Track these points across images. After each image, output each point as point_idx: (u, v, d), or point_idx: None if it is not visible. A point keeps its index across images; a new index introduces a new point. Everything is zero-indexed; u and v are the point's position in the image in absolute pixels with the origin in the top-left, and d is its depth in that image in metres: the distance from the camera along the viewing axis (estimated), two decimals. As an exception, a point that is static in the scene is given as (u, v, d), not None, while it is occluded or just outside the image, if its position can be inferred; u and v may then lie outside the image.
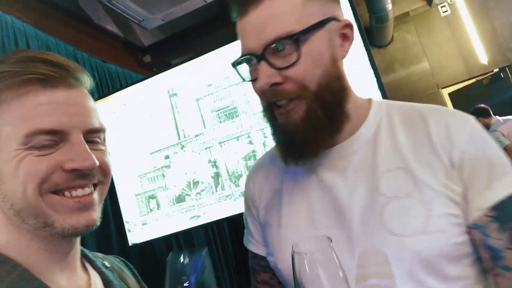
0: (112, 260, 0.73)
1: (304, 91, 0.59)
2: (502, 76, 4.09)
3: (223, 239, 3.28)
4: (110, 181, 0.61)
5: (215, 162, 1.94)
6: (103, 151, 0.59)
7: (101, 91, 2.59)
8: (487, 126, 3.55)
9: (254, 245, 0.76)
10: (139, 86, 2.16)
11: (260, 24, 0.58)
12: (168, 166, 2.04)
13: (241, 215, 1.90)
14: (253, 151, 1.87)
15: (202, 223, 1.94)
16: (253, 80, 0.63)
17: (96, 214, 0.56)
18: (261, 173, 0.78)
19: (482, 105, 3.69)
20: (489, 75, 4.19)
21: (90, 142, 0.57)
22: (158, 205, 2.04)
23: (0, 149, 0.51)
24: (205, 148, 1.97)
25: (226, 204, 1.90)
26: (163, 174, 2.04)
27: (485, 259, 0.56)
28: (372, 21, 3.72)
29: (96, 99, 1.90)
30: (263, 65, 0.59)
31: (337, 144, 0.65)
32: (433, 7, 4.22)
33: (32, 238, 0.54)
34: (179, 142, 2.02)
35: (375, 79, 1.67)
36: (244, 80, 0.66)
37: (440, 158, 0.58)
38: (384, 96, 1.64)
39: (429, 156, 0.59)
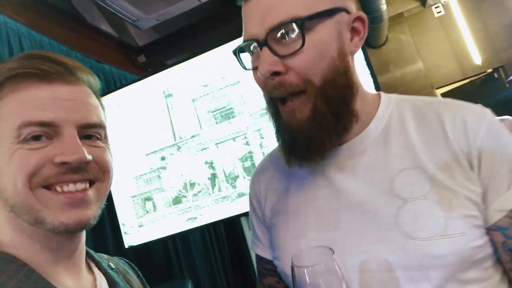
0: (117, 262, 0.72)
1: (308, 85, 0.56)
2: (496, 76, 4.12)
3: (219, 240, 3.26)
4: (110, 179, 0.60)
5: (211, 163, 1.93)
6: (102, 148, 0.58)
7: (96, 91, 2.56)
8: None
9: (260, 248, 0.74)
10: (134, 87, 2.13)
11: (265, 8, 0.55)
12: (164, 168, 2.02)
13: (238, 216, 1.90)
14: (249, 152, 1.86)
15: (199, 224, 1.93)
16: (254, 68, 0.60)
17: (90, 212, 0.54)
18: (266, 173, 0.75)
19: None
20: (483, 76, 4.22)
21: (87, 138, 0.56)
22: (154, 207, 2.02)
23: None
24: (202, 149, 1.95)
25: (223, 206, 1.88)
26: (159, 176, 2.02)
27: (506, 261, 0.54)
28: (367, 22, 3.73)
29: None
30: (265, 52, 0.55)
31: (345, 142, 0.62)
32: (427, 8, 4.24)
33: (33, 235, 0.53)
34: (175, 143, 2.01)
35: (371, 80, 1.67)
36: (245, 68, 0.63)
37: (457, 157, 0.55)
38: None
39: (445, 155, 0.56)
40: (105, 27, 2.86)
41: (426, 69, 4.24)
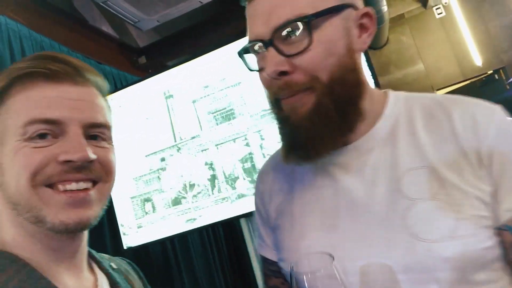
0: (118, 262, 0.72)
1: (315, 82, 0.54)
2: (496, 77, 4.11)
3: (218, 241, 3.26)
4: (113, 180, 0.60)
5: (211, 164, 1.93)
6: (106, 148, 0.59)
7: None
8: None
9: (264, 249, 0.72)
10: (135, 88, 2.14)
11: (270, 7, 0.54)
12: (164, 169, 2.02)
13: (237, 217, 1.90)
14: (250, 153, 1.86)
15: (198, 226, 1.93)
16: (260, 70, 0.59)
17: (91, 213, 0.54)
18: (270, 174, 0.73)
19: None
20: (483, 77, 4.22)
21: (92, 138, 0.56)
22: (153, 208, 2.02)
23: (5, 142, 0.51)
24: (202, 150, 1.95)
25: (223, 207, 1.88)
26: (158, 177, 2.02)
27: None
28: (367, 23, 3.73)
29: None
30: (271, 52, 0.54)
31: (351, 142, 0.60)
32: (428, 9, 4.24)
33: (34, 234, 0.53)
34: (175, 144, 2.01)
35: (372, 81, 1.68)
36: (250, 70, 0.61)
37: (466, 156, 0.53)
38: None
39: (454, 154, 0.54)
40: (106, 28, 2.86)
41: (427, 70, 4.23)
